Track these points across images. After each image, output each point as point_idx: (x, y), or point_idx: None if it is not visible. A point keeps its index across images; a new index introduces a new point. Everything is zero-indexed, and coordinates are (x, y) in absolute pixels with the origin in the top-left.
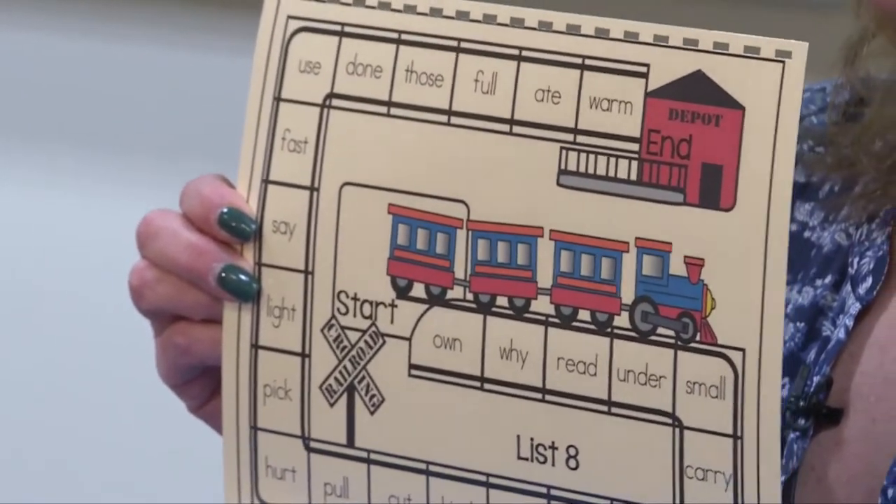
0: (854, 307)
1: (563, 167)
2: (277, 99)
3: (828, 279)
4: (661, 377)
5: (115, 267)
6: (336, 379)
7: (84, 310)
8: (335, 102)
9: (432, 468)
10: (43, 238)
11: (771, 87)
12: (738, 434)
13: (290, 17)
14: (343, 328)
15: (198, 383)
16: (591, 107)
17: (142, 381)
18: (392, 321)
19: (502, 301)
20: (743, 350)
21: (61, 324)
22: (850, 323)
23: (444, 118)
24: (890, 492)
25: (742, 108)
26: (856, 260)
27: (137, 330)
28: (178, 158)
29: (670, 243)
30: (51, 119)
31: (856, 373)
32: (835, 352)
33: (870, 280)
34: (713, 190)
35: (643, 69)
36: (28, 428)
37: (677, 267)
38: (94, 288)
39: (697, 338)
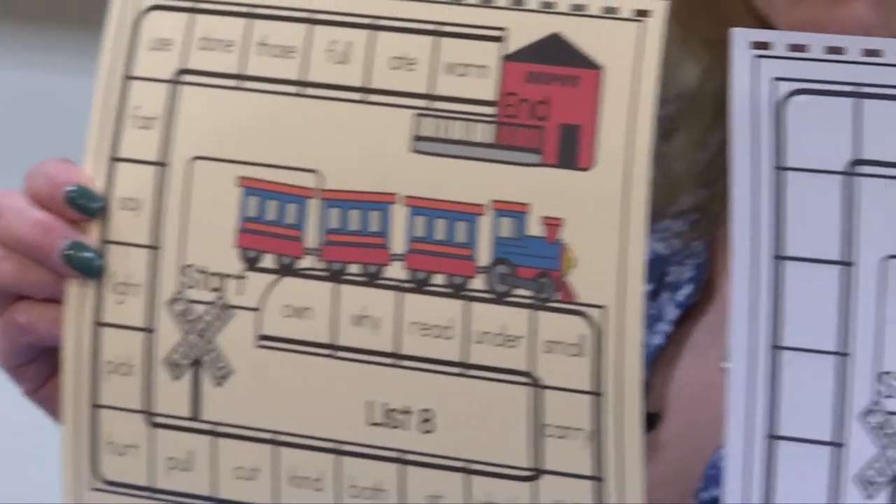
0: (673, 313)
1: (417, 133)
2: (127, 77)
3: (646, 288)
4: (518, 337)
5: None
6: (181, 352)
7: None
8: (187, 78)
9: (281, 438)
10: None
11: (629, 47)
12: (599, 391)
13: None
14: (190, 302)
15: (35, 365)
16: (446, 73)
17: None
18: (240, 293)
19: (355, 268)
20: (603, 308)
21: None
22: (668, 328)
23: (296, 89)
24: (704, 494)
25: (600, 69)
26: (674, 268)
27: None
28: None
29: (528, 204)
30: None
31: (674, 378)
32: (652, 357)
33: (689, 286)
34: (571, 150)
35: (499, 34)
36: None
37: (535, 227)
38: None
39: (556, 297)
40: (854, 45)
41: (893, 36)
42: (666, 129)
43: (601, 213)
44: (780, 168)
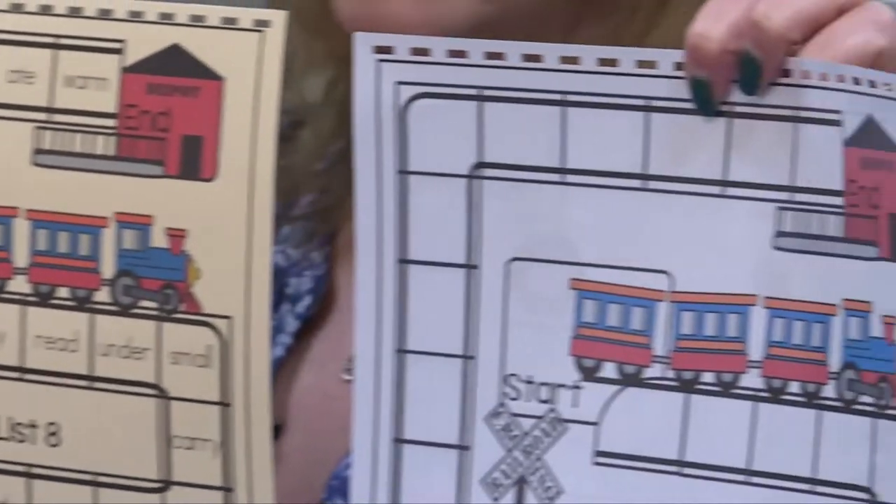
0: (293, 325)
1: (38, 146)
2: None
3: None
4: (144, 349)
5: None
6: None
7: None
8: None
9: None
10: None
11: (250, 57)
12: (227, 401)
13: None
14: None
15: None
16: (66, 85)
17: None
18: None
19: None
20: (229, 318)
21: None
22: (288, 340)
23: None
24: None
25: (221, 79)
26: (294, 280)
27: None
28: None
29: (151, 216)
30: None
31: (295, 388)
32: (274, 369)
33: (309, 298)
34: (194, 161)
35: (119, 45)
36: None
37: (159, 239)
38: None
39: (181, 308)
40: (476, 48)
41: (436, 32)
42: (288, 135)
43: (225, 223)
44: (404, 172)
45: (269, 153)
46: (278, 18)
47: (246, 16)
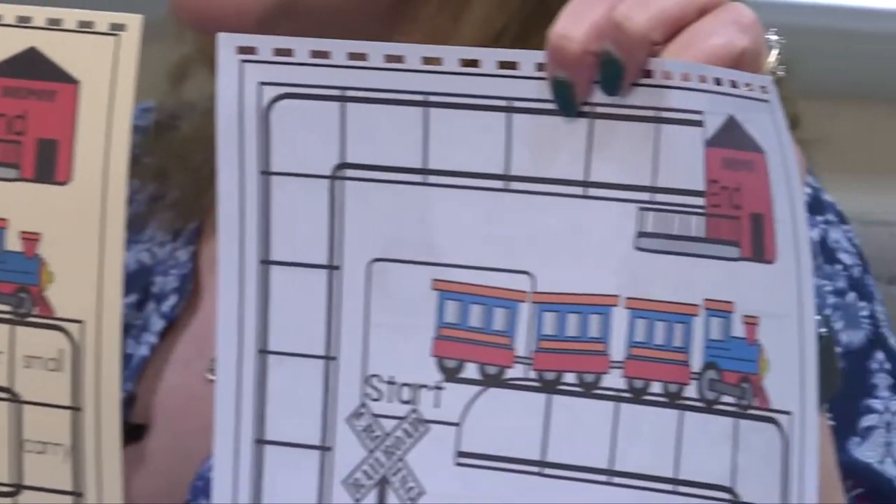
0: (158, 324)
1: None
2: None
3: (131, 298)
4: None
5: None
6: None
7: None
8: None
9: None
10: None
11: (105, 61)
12: (77, 405)
13: None
14: None
15: None
16: None
17: None
18: None
19: None
20: (81, 322)
21: None
22: (153, 340)
23: None
24: None
25: (77, 83)
26: (159, 278)
27: None
28: None
29: (6, 219)
30: None
31: (160, 388)
32: (138, 368)
33: (174, 297)
34: (49, 164)
35: None
36: None
37: (13, 242)
38: None
39: (35, 312)
40: (339, 49)
41: (240, 15)
42: (166, 125)
43: (78, 227)
44: (266, 173)
45: (123, 157)
46: (134, 22)
47: (102, 19)
